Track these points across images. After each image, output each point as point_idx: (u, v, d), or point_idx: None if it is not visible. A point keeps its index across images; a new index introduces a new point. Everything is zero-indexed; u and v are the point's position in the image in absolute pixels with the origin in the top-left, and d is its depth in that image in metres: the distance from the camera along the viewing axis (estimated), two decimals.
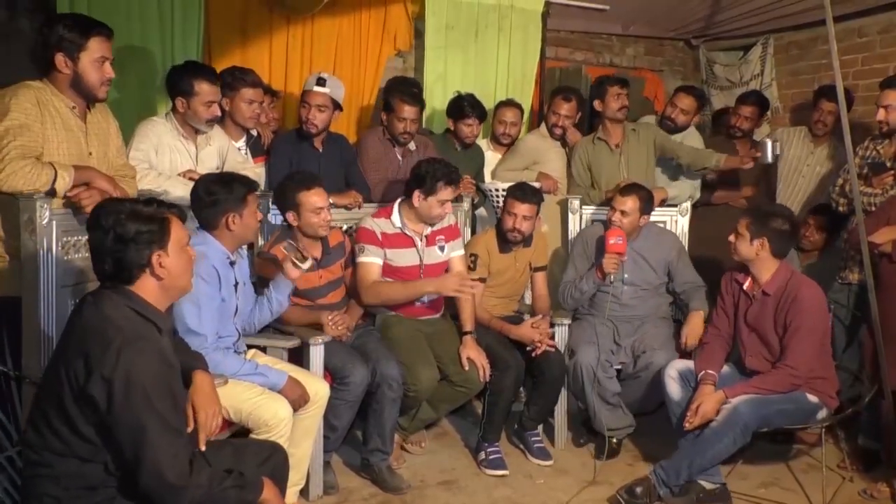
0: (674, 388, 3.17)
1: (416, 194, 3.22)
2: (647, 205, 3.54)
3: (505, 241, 3.56)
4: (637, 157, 4.08)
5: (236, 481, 1.91)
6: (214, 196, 2.63)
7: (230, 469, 1.96)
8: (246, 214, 2.67)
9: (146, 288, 1.90)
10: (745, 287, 3.15)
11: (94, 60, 2.54)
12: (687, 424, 2.97)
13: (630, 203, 3.50)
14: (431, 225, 3.35)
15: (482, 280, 3.52)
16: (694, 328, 3.46)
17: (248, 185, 2.71)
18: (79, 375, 1.77)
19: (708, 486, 2.99)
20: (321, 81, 3.61)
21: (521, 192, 3.48)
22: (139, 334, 1.81)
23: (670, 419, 3.19)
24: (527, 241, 3.61)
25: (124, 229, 1.84)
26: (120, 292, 1.88)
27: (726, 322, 3.24)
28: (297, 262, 2.82)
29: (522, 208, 3.45)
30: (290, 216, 3.07)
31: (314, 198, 3.03)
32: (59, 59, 2.51)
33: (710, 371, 3.08)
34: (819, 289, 3.10)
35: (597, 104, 4.13)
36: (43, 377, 1.97)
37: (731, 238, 3.10)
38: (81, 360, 1.77)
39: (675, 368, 3.20)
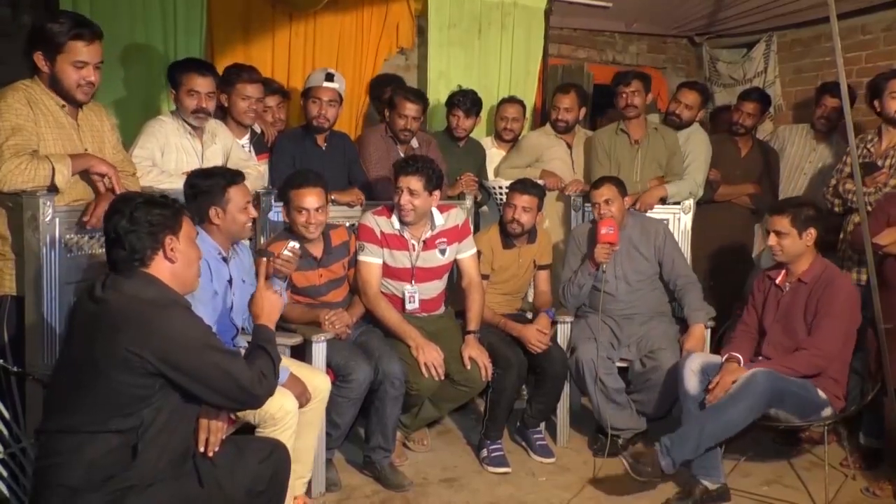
0: (692, 383, 3.10)
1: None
2: (621, 187, 3.59)
3: (508, 237, 3.57)
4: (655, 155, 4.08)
5: (270, 358, 2.14)
6: (195, 189, 2.65)
7: (260, 346, 2.16)
8: (230, 209, 2.64)
9: (160, 271, 1.98)
10: (777, 281, 3.17)
11: (70, 63, 2.50)
12: (711, 398, 2.92)
13: (607, 191, 3.53)
14: (408, 224, 3.26)
15: (485, 277, 3.53)
16: (696, 344, 3.40)
17: (229, 177, 2.67)
18: (127, 352, 1.83)
19: (710, 486, 2.98)
20: (330, 77, 3.62)
21: (521, 184, 3.53)
22: (170, 301, 1.95)
23: (681, 417, 3.13)
24: (531, 236, 3.62)
25: (140, 213, 1.95)
26: (137, 276, 1.95)
27: (756, 319, 3.25)
28: (281, 263, 2.86)
29: (522, 199, 3.47)
30: (283, 210, 3.14)
31: (304, 198, 3.02)
32: (38, 57, 2.49)
33: (735, 353, 3.09)
34: (854, 287, 3.11)
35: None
36: (62, 363, 2.01)
37: (772, 241, 3.08)
38: (124, 338, 1.83)
39: (697, 362, 3.14)
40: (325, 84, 3.61)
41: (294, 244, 2.91)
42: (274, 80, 4.13)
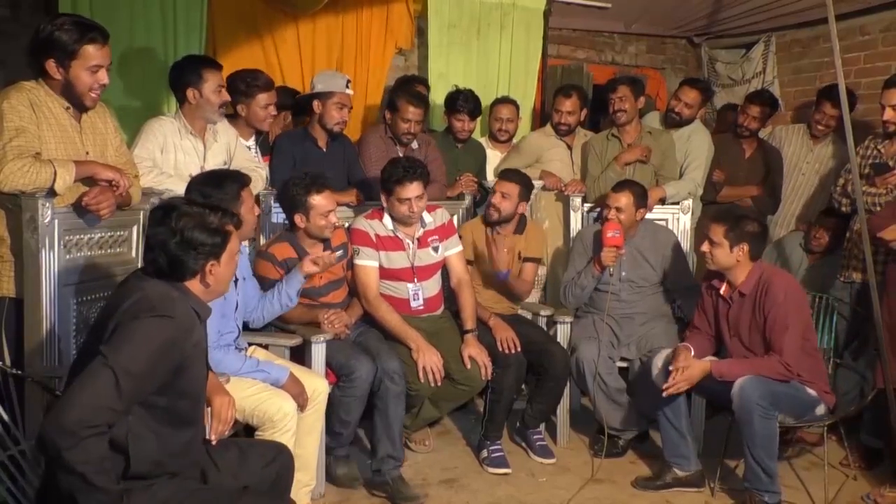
0: (660, 379, 3.11)
1: (383, 197, 3.26)
2: (640, 199, 3.56)
3: (491, 226, 3.60)
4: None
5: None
6: (209, 198, 2.62)
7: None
8: (244, 211, 2.66)
9: (193, 287, 1.98)
10: (721, 292, 3.11)
11: (86, 68, 2.49)
12: (671, 387, 2.91)
13: (624, 199, 3.51)
14: (408, 224, 3.30)
15: (469, 263, 3.55)
16: None
17: (240, 180, 2.69)
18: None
19: (680, 472, 3.11)
20: (348, 83, 3.68)
21: (504, 171, 3.64)
22: (169, 310, 1.84)
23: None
24: (518, 227, 3.62)
25: (191, 236, 1.91)
26: (166, 280, 1.94)
27: (706, 323, 3.22)
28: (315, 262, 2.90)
29: (501, 185, 3.55)
30: (298, 218, 3.06)
31: (324, 200, 3.04)
32: (51, 65, 2.47)
33: (687, 344, 3.10)
34: (791, 278, 3.09)
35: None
36: (76, 360, 2.00)
37: (705, 248, 3.04)
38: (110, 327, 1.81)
39: (661, 359, 3.16)
40: (347, 91, 3.67)
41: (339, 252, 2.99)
42: (290, 90, 4.10)
